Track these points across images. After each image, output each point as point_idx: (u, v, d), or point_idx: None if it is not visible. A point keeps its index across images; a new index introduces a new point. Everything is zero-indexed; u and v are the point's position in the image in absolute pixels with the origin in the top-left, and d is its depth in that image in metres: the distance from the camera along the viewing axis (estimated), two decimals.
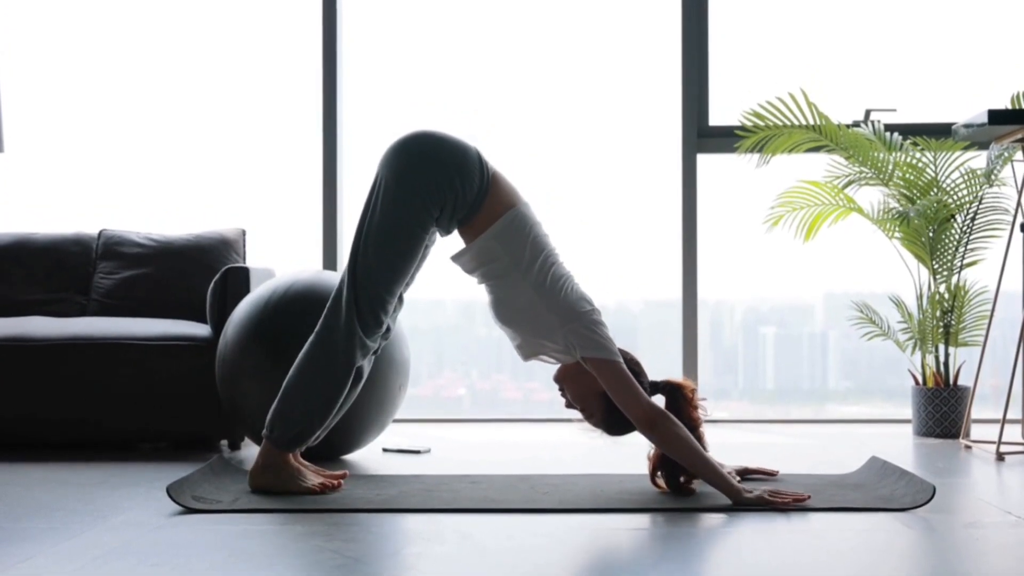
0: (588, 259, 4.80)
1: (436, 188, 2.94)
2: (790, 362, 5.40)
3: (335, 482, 3.07)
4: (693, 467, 2.89)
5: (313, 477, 3.05)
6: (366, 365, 3.09)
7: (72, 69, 5.26)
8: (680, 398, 3.02)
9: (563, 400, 3.09)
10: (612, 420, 3.01)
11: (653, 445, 3.00)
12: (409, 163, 2.97)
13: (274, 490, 2.99)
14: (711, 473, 2.87)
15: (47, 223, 4.83)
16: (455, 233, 3.08)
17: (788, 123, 4.50)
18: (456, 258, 3.06)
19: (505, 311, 3.02)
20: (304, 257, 5.02)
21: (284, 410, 2.99)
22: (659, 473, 3.02)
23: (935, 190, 4.44)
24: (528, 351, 3.05)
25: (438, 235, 3.11)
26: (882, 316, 4.57)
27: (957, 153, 4.40)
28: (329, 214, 5.03)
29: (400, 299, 3.11)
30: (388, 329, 3.09)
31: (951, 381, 4.42)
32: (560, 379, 3.04)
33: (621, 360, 2.93)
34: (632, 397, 2.90)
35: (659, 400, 3.01)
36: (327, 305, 3.02)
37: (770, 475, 3.24)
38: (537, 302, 2.95)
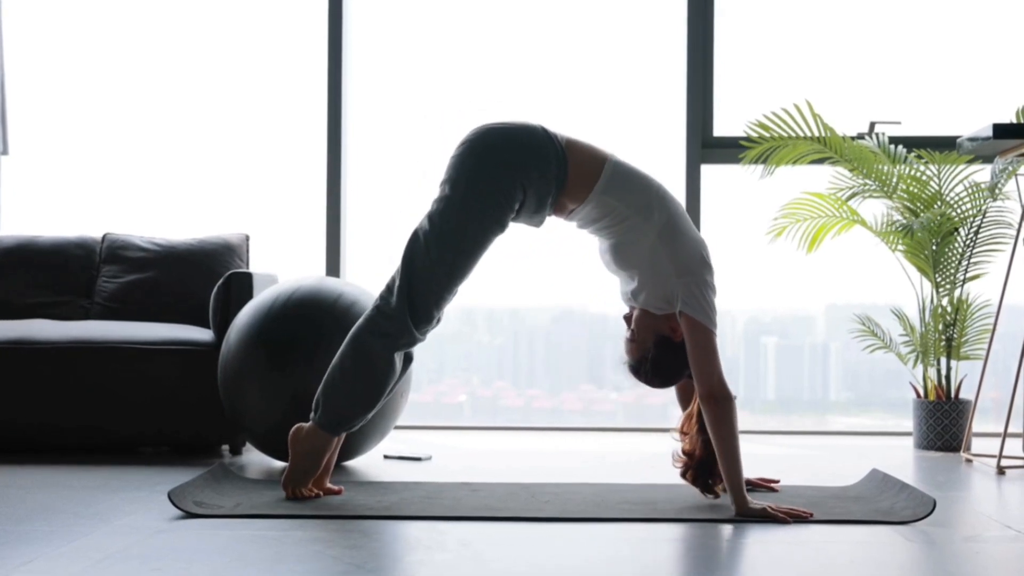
0: (591, 268, 4.80)
1: (511, 185, 2.91)
2: (791, 373, 5.41)
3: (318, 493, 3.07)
4: (724, 458, 2.87)
5: (314, 485, 3.06)
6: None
7: (77, 72, 5.28)
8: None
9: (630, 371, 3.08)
10: (654, 365, 3.00)
11: (684, 442, 3.02)
12: (480, 165, 2.94)
13: (291, 458, 3.01)
14: (735, 473, 2.86)
15: (51, 226, 4.84)
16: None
17: (792, 134, 4.51)
18: (568, 217, 3.05)
19: (625, 254, 2.98)
20: (307, 263, 5.04)
21: (328, 393, 2.98)
22: (690, 473, 3.03)
23: (939, 203, 4.45)
24: (636, 296, 3.01)
25: (528, 225, 3.10)
26: (884, 328, 4.57)
27: (961, 166, 4.41)
28: (333, 220, 5.03)
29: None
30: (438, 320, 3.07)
31: (952, 394, 4.42)
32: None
33: (716, 333, 2.92)
34: (710, 366, 2.89)
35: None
36: (382, 289, 3.00)
37: (772, 483, 3.24)
38: (659, 248, 2.93)
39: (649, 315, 2.99)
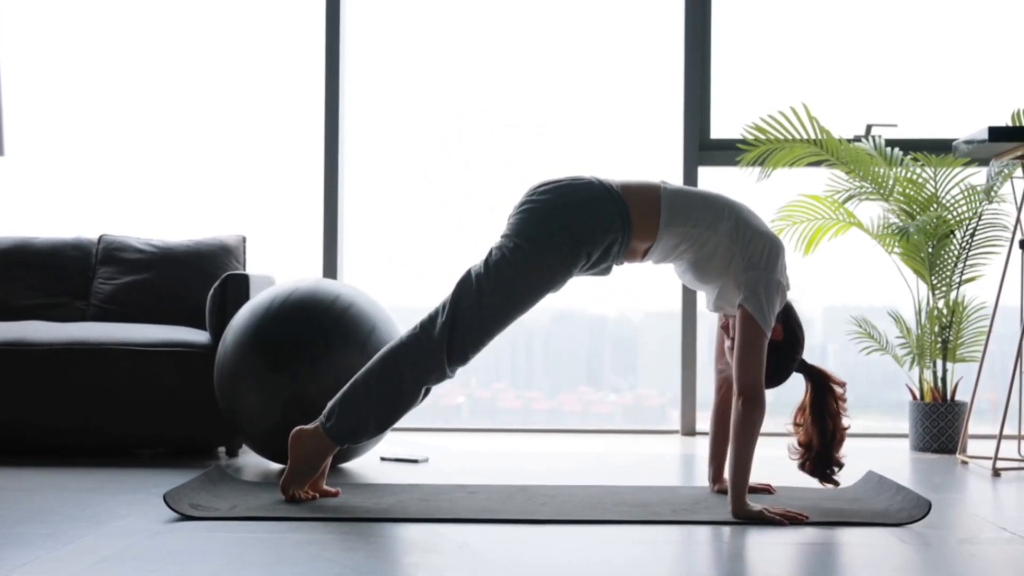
0: None
1: (574, 250, 2.93)
2: None
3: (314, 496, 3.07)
4: (736, 457, 2.89)
5: (310, 488, 3.06)
6: None
7: (73, 73, 5.28)
8: (825, 389, 3.08)
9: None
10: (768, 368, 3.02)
11: (799, 434, 3.08)
12: (542, 229, 2.94)
13: (291, 461, 3.00)
14: (741, 474, 2.88)
15: (47, 227, 4.84)
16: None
17: (789, 137, 4.51)
18: (643, 259, 3.07)
19: (706, 267, 3.01)
20: (304, 265, 5.03)
21: (345, 404, 2.98)
22: (808, 464, 3.08)
23: (935, 206, 4.45)
24: (718, 303, 3.06)
25: (594, 273, 3.10)
26: (880, 331, 4.57)
27: (957, 169, 4.41)
28: (330, 222, 5.03)
29: None
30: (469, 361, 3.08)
31: (948, 396, 4.43)
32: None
33: (767, 336, 2.93)
34: (752, 364, 2.92)
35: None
36: (424, 318, 2.99)
37: (767, 490, 3.24)
38: (735, 251, 2.97)
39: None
